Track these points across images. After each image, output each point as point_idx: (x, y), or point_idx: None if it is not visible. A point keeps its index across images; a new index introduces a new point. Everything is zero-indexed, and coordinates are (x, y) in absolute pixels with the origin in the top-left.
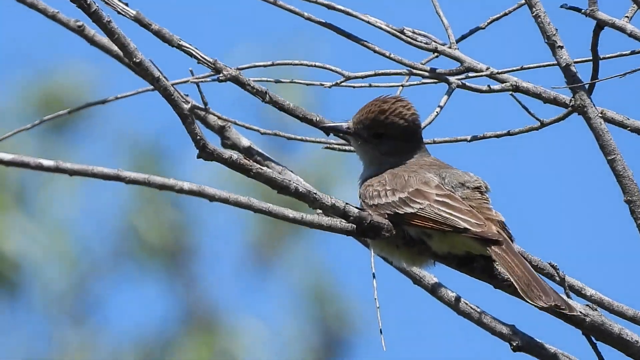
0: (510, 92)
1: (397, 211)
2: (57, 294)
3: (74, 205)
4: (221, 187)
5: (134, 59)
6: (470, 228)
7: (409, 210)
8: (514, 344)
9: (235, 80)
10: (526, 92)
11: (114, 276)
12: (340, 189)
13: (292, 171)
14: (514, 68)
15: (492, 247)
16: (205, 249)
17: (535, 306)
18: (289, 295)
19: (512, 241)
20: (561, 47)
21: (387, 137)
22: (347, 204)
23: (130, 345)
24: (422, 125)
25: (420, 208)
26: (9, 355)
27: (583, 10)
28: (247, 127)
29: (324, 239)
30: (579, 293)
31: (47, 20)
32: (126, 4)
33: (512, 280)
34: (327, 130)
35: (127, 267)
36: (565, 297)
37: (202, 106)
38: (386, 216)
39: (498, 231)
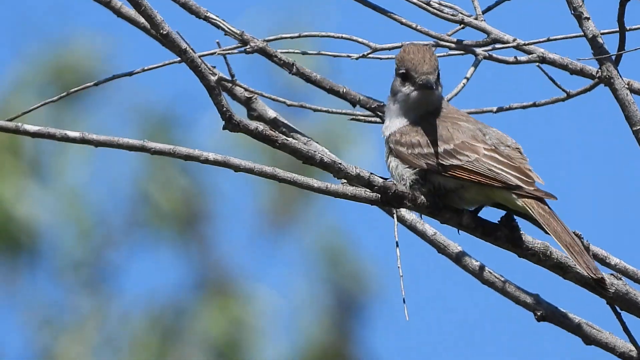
0: (537, 64)
1: (441, 162)
2: (71, 260)
3: (86, 172)
4: (233, 154)
5: (161, 31)
6: (523, 185)
7: (455, 162)
8: (538, 314)
9: (263, 52)
10: (553, 63)
11: (128, 243)
12: (351, 155)
13: (317, 142)
14: (541, 39)
15: (536, 206)
16: (218, 215)
17: (586, 276)
18: (303, 259)
19: None
20: (588, 19)
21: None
22: (371, 173)
23: (145, 311)
24: (449, 96)
25: (468, 161)
26: (23, 320)
27: None
28: (273, 99)
29: (337, 203)
30: (603, 262)
31: None
32: None
33: (561, 245)
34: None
35: (141, 234)
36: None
37: (228, 78)
38: (425, 166)
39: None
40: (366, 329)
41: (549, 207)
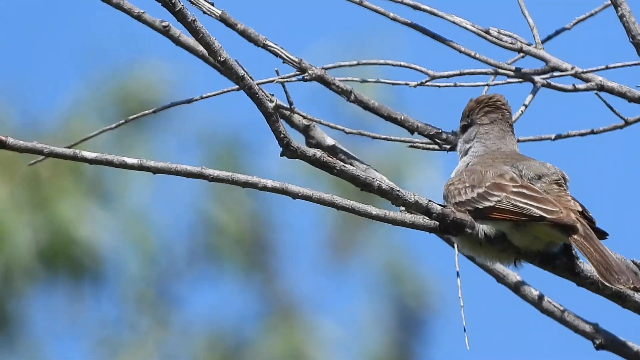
0: (595, 92)
1: (477, 206)
2: (134, 285)
3: (148, 194)
4: (300, 183)
5: (219, 58)
6: (546, 215)
7: (487, 204)
8: (597, 342)
9: (321, 79)
10: (611, 91)
11: (191, 268)
12: (418, 186)
13: (376, 170)
14: (599, 67)
15: (573, 235)
16: (282, 243)
17: (615, 288)
18: (366, 282)
19: (594, 225)
20: None
21: (470, 126)
22: (430, 200)
23: (207, 339)
24: None
25: (497, 200)
26: (83, 342)
27: None
28: (331, 127)
29: (398, 231)
30: None
31: (128, 20)
32: (212, 4)
33: (591, 265)
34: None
35: (204, 261)
36: None
37: (287, 106)
38: (467, 213)
39: (577, 219)
40: (427, 348)
41: (590, 233)
